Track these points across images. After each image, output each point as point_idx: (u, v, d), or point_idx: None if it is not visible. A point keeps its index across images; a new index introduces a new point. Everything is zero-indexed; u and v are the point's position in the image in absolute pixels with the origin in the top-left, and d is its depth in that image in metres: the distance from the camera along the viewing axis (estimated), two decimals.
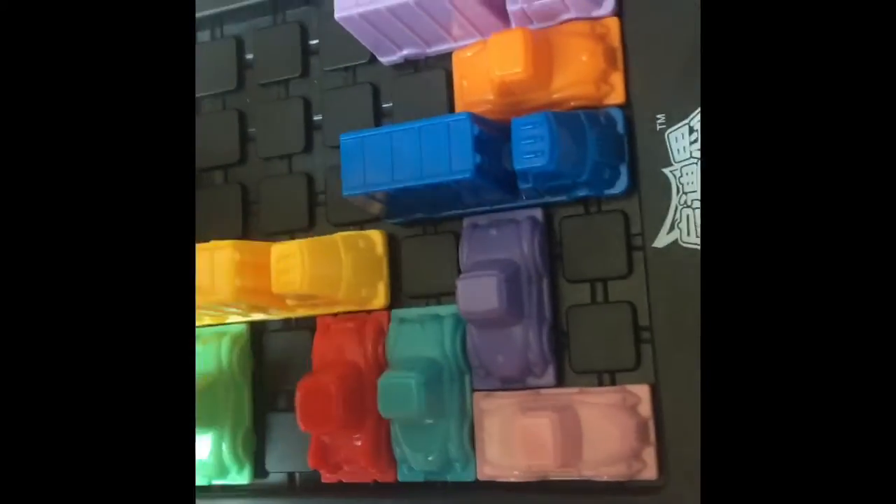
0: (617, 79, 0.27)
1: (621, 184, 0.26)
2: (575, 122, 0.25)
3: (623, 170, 0.26)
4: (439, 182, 0.25)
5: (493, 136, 0.26)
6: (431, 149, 0.26)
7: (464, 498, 0.28)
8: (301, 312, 0.31)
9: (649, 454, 0.25)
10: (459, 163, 0.25)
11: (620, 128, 0.26)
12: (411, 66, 0.31)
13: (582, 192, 0.26)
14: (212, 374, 0.31)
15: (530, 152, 0.25)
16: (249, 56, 0.34)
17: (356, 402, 0.28)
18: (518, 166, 0.25)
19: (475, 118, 0.25)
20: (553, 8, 0.27)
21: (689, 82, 0.26)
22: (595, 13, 0.27)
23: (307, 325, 0.31)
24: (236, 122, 0.33)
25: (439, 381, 0.27)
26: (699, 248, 0.25)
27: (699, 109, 0.25)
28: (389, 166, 0.26)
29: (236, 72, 0.34)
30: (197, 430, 0.30)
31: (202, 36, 0.35)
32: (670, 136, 0.26)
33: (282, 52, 0.33)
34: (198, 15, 0.34)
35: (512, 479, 0.27)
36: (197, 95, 0.34)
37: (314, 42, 0.33)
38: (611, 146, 0.26)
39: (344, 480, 0.29)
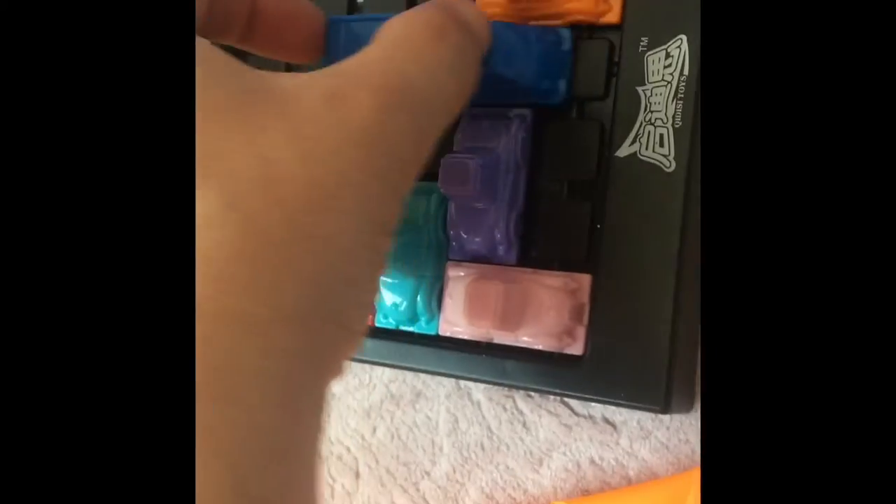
0: (616, 1, 0.29)
1: (557, 96, 0.30)
2: (524, 33, 0.28)
3: (562, 84, 0.29)
4: None
5: None
6: None
7: (425, 348, 0.32)
8: None
9: (580, 333, 0.29)
10: None
11: (566, 46, 0.29)
12: None
13: (520, 98, 0.30)
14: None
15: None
16: None
17: None
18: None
19: None
20: None
21: (675, 12, 0.28)
22: None
23: None
24: None
25: (416, 243, 0.31)
26: (655, 162, 0.28)
27: (679, 37, 0.28)
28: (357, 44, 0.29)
29: None
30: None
31: None
32: (648, 58, 0.28)
33: None
34: None
35: (463, 337, 0.31)
36: None
37: None
38: (554, 61, 0.29)
39: None
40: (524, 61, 0.28)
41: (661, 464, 0.30)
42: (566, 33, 0.30)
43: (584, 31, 0.30)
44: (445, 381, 0.34)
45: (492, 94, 0.29)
